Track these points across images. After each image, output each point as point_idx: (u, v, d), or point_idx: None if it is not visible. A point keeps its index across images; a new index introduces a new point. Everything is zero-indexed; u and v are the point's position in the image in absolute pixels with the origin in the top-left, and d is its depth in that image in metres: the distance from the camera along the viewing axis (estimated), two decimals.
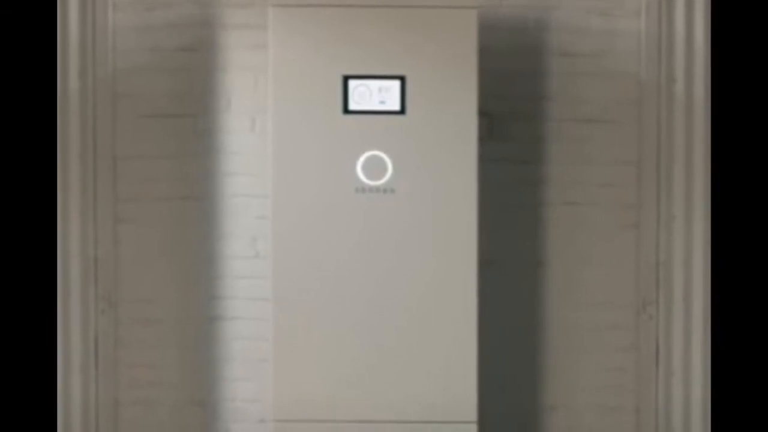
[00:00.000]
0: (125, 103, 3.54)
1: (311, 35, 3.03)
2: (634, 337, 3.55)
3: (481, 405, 3.09)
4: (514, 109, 3.52)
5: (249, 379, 3.55)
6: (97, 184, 3.51)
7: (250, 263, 3.53)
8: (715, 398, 2.28)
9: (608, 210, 3.55)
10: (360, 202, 3.03)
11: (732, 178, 2.28)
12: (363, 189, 3.04)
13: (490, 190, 3.36)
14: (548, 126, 3.54)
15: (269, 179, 3.05)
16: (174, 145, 3.55)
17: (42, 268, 2.22)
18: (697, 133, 3.48)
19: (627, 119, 3.54)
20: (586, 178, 3.54)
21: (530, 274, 3.56)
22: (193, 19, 3.54)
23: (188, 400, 3.57)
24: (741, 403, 2.21)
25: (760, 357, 2.20)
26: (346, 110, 3.03)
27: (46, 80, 2.29)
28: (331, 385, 3.05)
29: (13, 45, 2.20)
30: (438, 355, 3.04)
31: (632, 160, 3.54)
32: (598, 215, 3.55)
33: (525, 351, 3.56)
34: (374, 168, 3.03)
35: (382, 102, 3.03)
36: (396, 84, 3.03)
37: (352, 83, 3.03)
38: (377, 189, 3.04)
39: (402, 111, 3.03)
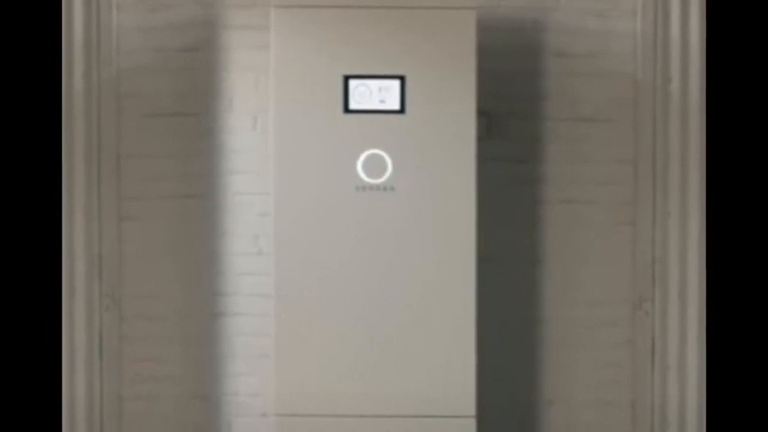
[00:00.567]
0: (129, 102, 3.55)
1: (312, 36, 3.03)
2: (630, 332, 3.56)
3: (479, 400, 3.10)
4: (512, 109, 3.53)
5: (251, 374, 3.56)
6: (101, 183, 3.51)
7: (253, 260, 3.54)
8: (710, 393, 2.28)
9: (605, 208, 3.55)
10: (360, 200, 3.04)
11: (726, 177, 2.28)
12: (363, 187, 3.04)
13: (489, 188, 3.37)
14: (546, 125, 3.55)
15: (271, 177, 3.05)
16: (177, 144, 3.55)
17: (47, 265, 2.22)
18: (692, 132, 3.48)
19: (623, 118, 3.54)
20: (583, 177, 3.55)
21: (528, 271, 3.56)
22: (196, 20, 3.55)
23: (191, 395, 3.58)
24: (735, 398, 2.21)
25: (754, 352, 2.20)
26: (346, 109, 3.03)
27: (52, 80, 2.29)
28: (332, 380, 3.05)
29: (19, 46, 2.20)
30: (437, 351, 3.05)
31: (628, 158, 3.55)
32: (595, 213, 3.55)
33: (523, 347, 3.57)
34: (374, 166, 3.04)
35: (382, 101, 3.04)
36: (396, 84, 3.03)
37: (352, 83, 3.03)
38: (377, 187, 3.04)
39: (402, 110, 3.04)
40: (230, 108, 3.56)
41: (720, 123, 2.31)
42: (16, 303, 2.17)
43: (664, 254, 3.52)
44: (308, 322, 3.05)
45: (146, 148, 3.56)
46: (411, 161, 3.04)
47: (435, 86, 3.04)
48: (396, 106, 3.04)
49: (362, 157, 3.04)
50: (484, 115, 3.37)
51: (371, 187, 3.05)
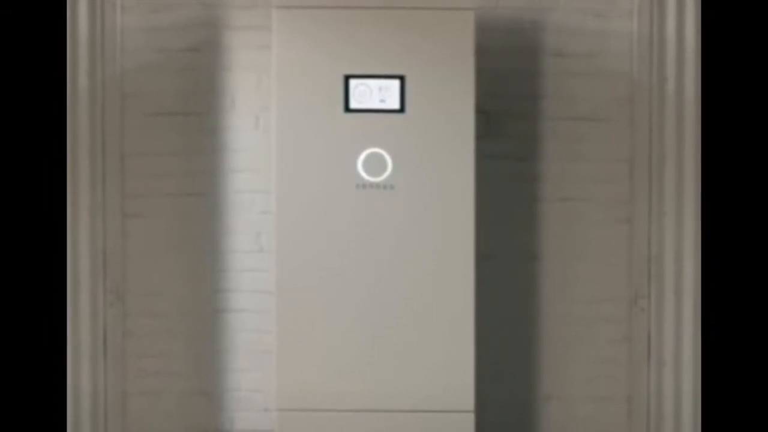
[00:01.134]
0: (133, 101, 3.55)
1: (313, 36, 3.04)
2: (627, 329, 3.56)
3: (478, 395, 3.11)
4: (511, 108, 3.53)
5: (253, 369, 3.56)
6: (105, 180, 3.52)
7: (254, 257, 3.54)
8: (705, 388, 2.27)
9: (602, 206, 3.55)
10: (360, 198, 3.05)
11: (721, 175, 2.27)
12: (363, 185, 3.05)
13: (487, 186, 3.37)
14: (543, 124, 3.55)
15: (272, 176, 3.06)
16: (180, 143, 3.56)
17: (52, 262, 2.21)
18: (688, 130, 3.48)
19: (620, 117, 3.55)
20: (580, 175, 3.55)
21: (526, 268, 3.56)
22: (199, 21, 3.56)
23: (194, 390, 3.58)
24: (731, 393, 2.20)
25: (749, 348, 2.20)
26: (347, 109, 3.04)
27: (57, 80, 2.28)
28: (333, 376, 3.06)
29: (25, 46, 2.20)
30: (437, 347, 3.05)
31: (625, 157, 3.55)
32: (592, 211, 3.56)
33: (521, 343, 3.57)
34: (374, 165, 3.05)
35: (382, 101, 3.04)
36: (396, 83, 3.04)
37: (353, 82, 3.04)
38: (377, 185, 3.05)
39: (401, 109, 3.04)
40: (232, 107, 3.57)
41: (715, 122, 2.29)
42: (22, 299, 2.16)
43: (660, 251, 3.52)
44: (309, 319, 3.06)
45: (149, 147, 3.56)
46: (411, 160, 3.05)
47: (434, 86, 3.04)
48: (396, 106, 3.05)
49: (362, 155, 3.05)
50: (482, 114, 3.38)
51: (371, 186, 3.05)
